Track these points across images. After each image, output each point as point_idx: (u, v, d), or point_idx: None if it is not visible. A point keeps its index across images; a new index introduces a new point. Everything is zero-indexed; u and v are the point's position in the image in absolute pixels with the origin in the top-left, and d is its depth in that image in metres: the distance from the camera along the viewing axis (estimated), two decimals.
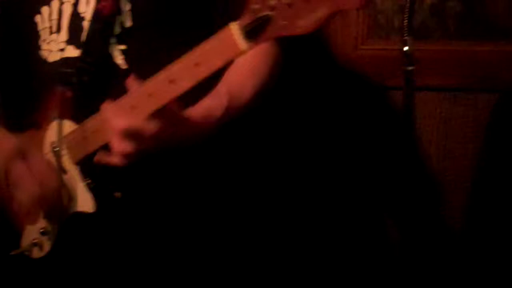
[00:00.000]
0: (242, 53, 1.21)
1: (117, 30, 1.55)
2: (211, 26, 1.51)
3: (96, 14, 1.54)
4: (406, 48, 1.71)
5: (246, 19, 1.17)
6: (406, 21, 1.69)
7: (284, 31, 1.14)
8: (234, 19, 1.32)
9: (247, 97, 1.51)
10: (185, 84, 1.27)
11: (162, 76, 1.31)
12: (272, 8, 1.13)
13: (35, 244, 1.61)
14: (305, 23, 1.11)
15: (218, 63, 1.25)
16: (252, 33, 1.17)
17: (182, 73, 1.28)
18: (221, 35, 1.22)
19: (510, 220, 2.13)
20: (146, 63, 1.50)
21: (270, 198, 2.09)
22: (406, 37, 1.71)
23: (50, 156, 1.55)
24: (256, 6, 1.15)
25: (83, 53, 1.55)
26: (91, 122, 1.46)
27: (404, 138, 1.79)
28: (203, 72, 1.26)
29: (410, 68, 1.73)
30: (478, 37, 2.25)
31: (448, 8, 2.26)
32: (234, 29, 1.19)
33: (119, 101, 1.35)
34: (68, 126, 1.52)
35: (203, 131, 1.42)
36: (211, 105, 1.44)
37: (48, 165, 1.56)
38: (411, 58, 1.74)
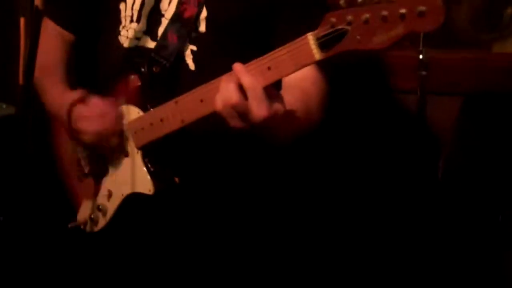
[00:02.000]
0: (315, 62, 1.30)
1: (192, 33, 1.65)
2: (277, 41, 1.66)
3: (176, 15, 1.65)
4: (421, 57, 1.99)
5: (323, 30, 1.25)
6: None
7: (358, 45, 1.19)
8: (297, 32, 1.42)
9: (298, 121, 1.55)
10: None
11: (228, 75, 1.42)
12: (349, 23, 1.19)
13: (91, 219, 1.70)
14: (379, 40, 1.16)
15: (290, 69, 1.35)
16: (327, 44, 1.25)
17: (255, 73, 1.38)
18: (297, 43, 1.31)
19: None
20: (213, 67, 1.57)
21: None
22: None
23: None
24: (333, 19, 1.23)
25: (157, 46, 1.65)
26: (159, 111, 1.56)
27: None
28: (272, 76, 1.36)
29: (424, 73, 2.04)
30: (444, 46, 2.43)
31: None
32: (311, 38, 1.27)
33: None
34: (134, 112, 1.63)
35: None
36: None
37: (109, 104, 1.63)
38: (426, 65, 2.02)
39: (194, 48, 1.66)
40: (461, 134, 2.34)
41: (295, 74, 1.50)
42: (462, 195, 2.24)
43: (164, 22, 1.67)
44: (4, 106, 2.31)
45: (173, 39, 1.65)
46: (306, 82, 1.60)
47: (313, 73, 1.63)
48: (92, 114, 1.63)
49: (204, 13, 1.66)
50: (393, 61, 2.46)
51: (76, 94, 1.68)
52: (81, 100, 1.66)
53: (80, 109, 1.65)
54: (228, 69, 1.47)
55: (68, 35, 1.87)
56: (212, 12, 1.65)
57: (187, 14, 1.65)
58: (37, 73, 1.55)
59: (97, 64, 1.80)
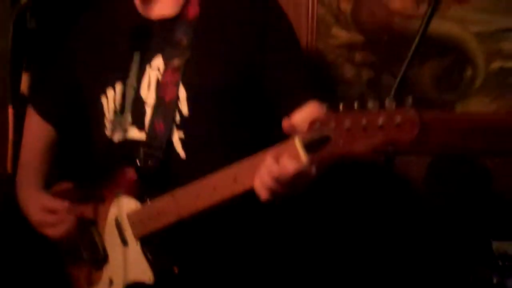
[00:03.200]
0: (302, 163, 1.35)
1: (176, 117, 1.67)
2: (262, 119, 1.72)
3: (158, 100, 1.68)
4: None
5: (308, 135, 1.32)
6: None
7: (341, 150, 1.27)
8: (280, 117, 1.49)
9: None
10: (247, 183, 1.45)
11: (228, 172, 1.48)
12: (332, 130, 1.27)
13: None
14: (361, 147, 1.24)
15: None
16: (312, 148, 1.32)
17: (245, 172, 1.44)
18: (285, 144, 1.38)
19: None
20: (202, 153, 1.66)
21: None
22: None
23: (113, 229, 1.72)
24: (318, 126, 1.30)
25: (147, 138, 1.68)
26: (157, 204, 1.62)
27: None
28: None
29: None
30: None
31: (382, 82, 2.58)
32: (297, 141, 1.35)
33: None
34: (131, 203, 1.67)
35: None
36: None
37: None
38: None
39: (182, 135, 1.67)
40: (429, 194, 2.43)
41: (303, 115, 1.64)
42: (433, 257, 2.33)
43: (148, 110, 1.70)
44: None
45: (160, 127, 1.67)
46: None
47: (320, 111, 1.66)
48: (50, 220, 1.73)
49: (183, 93, 1.67)
50: None
51: (38, 198, 1.77)
52: (41, 206, 1.75)
53: (38, 217, 1.75)
54: (218, 150, 1.58)
55: (51, 128, 1.93)
56: (191, 91, 1.67)
57: (168, 97, 1.67)
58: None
59: (85, 155, 1.84)
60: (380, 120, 1.20)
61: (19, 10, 1.50)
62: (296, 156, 1.35)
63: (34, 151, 1.89)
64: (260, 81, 1.70)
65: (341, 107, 1.26)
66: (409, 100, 1.20)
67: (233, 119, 1.71)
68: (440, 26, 2.58)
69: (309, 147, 1.33)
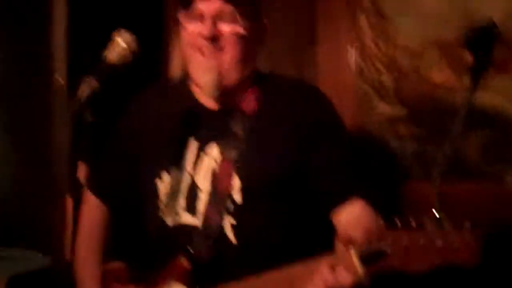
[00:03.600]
0: (358, 275, 1.38)
1: (229, 205, 1.73)
2: (314, 206, 1.75)
3: (213, 188, 1.73)
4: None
5: (365, 248, 1.36)
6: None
7: (397, 266, 1.31)
8: (328, 208, 1.58)
9: None
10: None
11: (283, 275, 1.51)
12: (389, 246, 1.31)
13: None
14: (416, 266, 1.28)
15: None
16: (368, 261, 1.36)
17: (300, 277, 1.47)
18: (342, 254, 1.42)
19: None
20: (254, 239, 1.71)
21: None
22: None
23: None
24: (375, 239, 1.34)
25: (202, 226, 1.72)
26: None
27: None
28: None
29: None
30: (456, 178, 2.49)
31: (428, 153, 2.56)
32: (354, 253, 1.38)
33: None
34: None
35: None
36: None
37: None
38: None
39: (233, 221, 1.72)
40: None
41: (348, 212, 1.71)
42: None
43: (202, 197, 1.75)
44: (39, 255, 2.35)
45: (213, 215, 1.72)
46: (362, 219, 1.70)
47: (366, 210, 1.73)
48: None
49: (237, 184, 1.72)
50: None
51: None
52: None
53: None
54: (269, 237, 1.62)
55: (107, 208, 2.00)
56: (245, 182, 1.72)
57: (222, 187, 1.72)
58: (76, 260, 1.82)
59: (140, 237, 1.89)
60: (439, 243, 1.23)
61: (77, 105, 1.58)
62: (352, 268, 1.38)
63: (94, 243, 1.96)
64: (309, 177, 1.75)
65: (398, 223, 1.29)
66: (467, 225, 1.24)
67: (282, 209, 1.75)
68: (483, 97, 2.60)
69: (365, 259, 1.36)
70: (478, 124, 2.57)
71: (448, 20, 2.32)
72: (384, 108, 2.69)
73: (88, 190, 2.00)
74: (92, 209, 1.99)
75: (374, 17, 2.68)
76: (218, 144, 1.77)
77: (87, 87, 1.58)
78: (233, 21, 1.68)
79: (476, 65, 1.69)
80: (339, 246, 1.47)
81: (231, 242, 1.72)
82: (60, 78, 2.19)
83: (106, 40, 1.67)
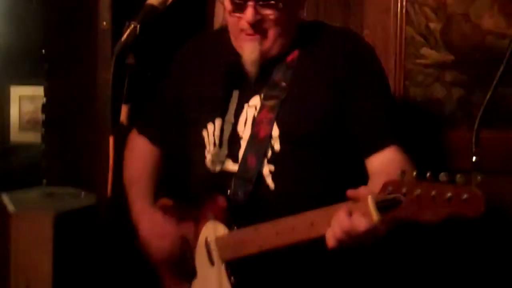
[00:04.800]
0: (372, 222, 1.42)
1: (268, 152, 1.77)
2: (349, 154, 1.78)
3: (252, 136, 1.78)
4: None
5: (381, 196, 1.41)
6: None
7: (410, 215, 1.36)
8: (363, 155, 1.61)
9: None
10: (322, 230, 1.53)
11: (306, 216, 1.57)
12: (404, 194, 1.36)
13: None
14: (428, 215, 1.32)
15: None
16: (384, 209, 1.40)
17: (321, 219, 1.53)
18: (359, 204, 1.46)
19: None
20: (291, 185, 1.75)
21: None
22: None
23: (202, 249, 1.83)
24: (391, 188, 1.39)
25: (239, 170, 1.78)
26: (242, 233, 1.72)
27: None
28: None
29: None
30: (502, 126, 2.53)
31: (475, 101, 2.54)
32: (370, 201, 1.42)
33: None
34: (221, 228, 1.78)
35: None
36: None
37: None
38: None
39: (272, 168, 1.76)
40: None
41: (381, 160, 1.72)
42: None
43: (243, 144, 1.79)
44: (83, 194, 2.43)
45: (252, 161, 1.76)
46: (392, 166, 1.70)
47: (398, 157, 1.75)
48: (153, 235, 1.86)
49: (276, 131, 1.76)
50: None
51: (151, 213, 1.90)
52: (153, 219, 1.88)
53: (145, 231, 1.88)
54: (306, 184, 1.66)
55: (157, 150, 2.05)
56: (284, 130, 1.76)
57: (262, 134, 1.76)
58: (126, 184, 1.92)
59: (187, 180, 1.95)
60: (449, 194, 1.27)
61: (120, 47, 1.60)
62: (368, 214, 1.43)
63: (142, 171, 2.03)
64: (346, 124, 1.77)
65: (414, 174, 1.34)
66: (479, 178, 1.27)
67: (320, 157, 1.78)
68: None
69: (380, 207, 1.41)
70: None
71: None
72: (430, 54, 2.65)
73: (139, 131, 2.07)
74: (143, 149, 2.06)
75: None
76: (260, 94, 1.81)
77: (129, 31, 1.60)
78: (273, 6, 1.70)
79: None
80: (360, 190, 1.51)
81: (269, 187, 1.76)
82: (105, 22, 2.22)
83: None
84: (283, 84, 1.78)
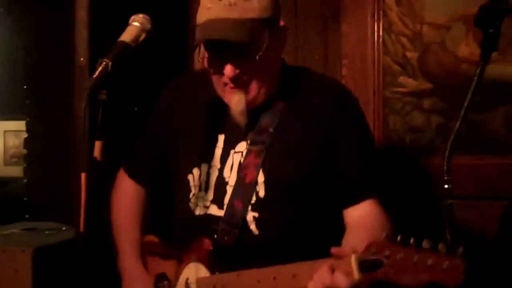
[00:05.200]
0: (353, 280, 1.42)
1: (252, 198, 1.77)
2: (330, 202, 1.79)
3: (239, 181, 1.78)
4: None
5: (363, 256, 1.41)
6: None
7: (390, 277, 1.36)
8: (342, 205, 1.65)
9: None
10: (304, 282, 1.52)
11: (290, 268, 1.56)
12: (386, 257, 1.36)
13: None
14: (408, 279, 1.32)
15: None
16: (365, 269, 1.40)
17: (304, 272, 1.53)
18: (342, 261, 1.46)
19: None
20: (275, 232, 1.75)
21: None
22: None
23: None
24: (375, 249, 1.39)
25: (226, 215, 1.78)
26: (223, 278, 1.71)
27: None
28: None
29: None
30: (480, 152, 2.56)
31: (452, 128, 2.52)
32: (353, 259, 1.43)
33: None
34: (203, 270, 1.77)
35: None
36: None
37: None
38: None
39: (256, 214, 1.76)
40: (503, 239, 2.41)
41: (358, 212, 1.73)
42: None
43: (229, 190, 1.79)
44: (64, 228, 2.43)
45: (238, 206, 1.77)
46: (369, 220, 1.72)
47: (374, 210, 1.76)
48: None
49: (261, 177, 1.77)
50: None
51: (136, 276, 1.93)
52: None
53: None
54: (289, 231, 1.68)
55: (144, 190, 2.07)
56: (269, 177, 1.77)
57: (248, 179, 1.77)
58: (114, 228, 1.97)
59: (172, 219, 1.95)
60: (430, 261, 1.29)
61: (91, 84, 1.62)
62: (350, 273, 1.43)
63: (131, 217, 2.04)
64: (329, 173, 1.78)
65: (398, 238, 1.35)
66: (460, 250, 1.29)
67: (303, 205, 1.79)
68: (509, 71, 2.58)
69: (362, 267, 1.42)
70: (504, 97, 2.58)
71: None
72: (408, 82, 2.69)
73: (126, 171, 2.09)
74: (130, 186, 2.07)
75: None
76: (246, 139, 1.82)
77: (101, 68, 1.62)
78: (251, 57, 1.71)
79: (486, 42, 1.67)
80: (344, 248, 1.52)
81: (253, 233, 1.76)
82: (82, 58, 2.26)
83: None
84: (270, 129, 1.80)
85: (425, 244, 1.31)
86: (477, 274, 2.30)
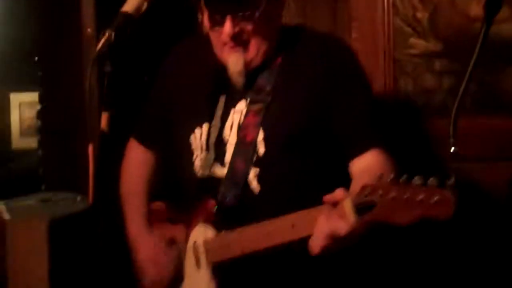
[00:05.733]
0: (350, 223, 1.45)
1: (254, 156, 1.79)
2: (332, 157, 1.80)
3: (239, 140, 1.80)
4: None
5: (357, 198, 1.43)
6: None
7: (385, 217, 1.38)
8: (347, 158, 1.66)
9: None
10: (303, 231, 1.56)
11: (288, 218, 1.60)
12: (379, 196, 1.38)
13: None
14: (401, 217, 1.35)
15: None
16: (361, 211, 1.42)
17: (301, 222, 1.57)
18: (337, 207, 1.48)
19: None
20: (276, 188, 1.77)
21: None
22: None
23: (190, 252, 1.85)
24: (367, 191, 1.41)
25: (228, 174, 1.80)
26: (228, 236, 1.74)
27: None
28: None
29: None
30: (491, 111, 2.54)
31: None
32: (348, 203, 1.45)
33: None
34: (210, 232, 1.81)
35: None
36: None
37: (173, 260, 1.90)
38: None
39: (257, 170, 1.78)
40: None
41: (363, 163, 1.74)
42: None
43: (230, 149, 1.81)
44: (78, 198, 2.47)
45: (240, 165, 1.79)
46: (373, 168, 1.71)
47: (379, 159, 1.76)
48: (150, 262, 1.94)
49: (261, 135, 1.78)
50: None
51: (146, 239, 1.98)
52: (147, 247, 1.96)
53: (141, 257, 1.97)
54: (290, 187, 1.70)
55: (154, 156, 2.10)
56: (268, 134, 1.78)
57: (248, 138, 1.79)
58: (122, 196, 2.01)
59: (179, 183, 1.97)
60: (421, 196, 1.30)
61: (95, 55, 1.63)
62: (345, 216, 1.45)
63: (138, 185, 2.08)
64: (329, 127, 1.79)
65: (391, 177, 1.36)
66: (452, 180, 1.30)
67: (304, 160, 1.80)
68: None
69: (357, 209, 1.43)
70: None
71: None
72: (419, 44, 2.66)
73: (135, 139, 2.12)
74: (139, 156, 2.11)
75: None
76: (245, 99, 1.83)
77: (104, 39, 1.63)
78: (250, 18, 1.73)
79: (490, 3, 1.65)
80: (337, 193, 1.52)
81: (255, 190, 1.78)
82: (89, 29, 2.26)
83: None
84: (268, 88, 1.81)
85: (417, 180, 1.32)
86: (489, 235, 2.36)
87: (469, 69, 1.74)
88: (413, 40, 2.67)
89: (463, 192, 2.33)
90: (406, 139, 2.62)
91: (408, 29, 2.66)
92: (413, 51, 2.67)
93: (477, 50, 1.70)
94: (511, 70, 2.58)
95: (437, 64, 2.65)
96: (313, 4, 2.78)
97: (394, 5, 2.66)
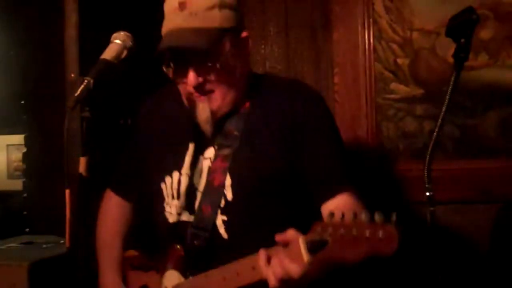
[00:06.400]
0: (304, 263, 1.44)
1: (221, 202, 1.79)
2: (301, 203, 1.80)
3: (207, 185, 1.81)
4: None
5: (309, 237, 1.43)
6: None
7: (336, 254, 1.38)
8: (317, 202, 1.67)
9: None
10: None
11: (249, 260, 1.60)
12: (329, 235, 1.38)
13: None
14: (351, 253, 1.35)
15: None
16: (313, 249, 1.42)
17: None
18: (290, 246, 1.48)
19: None
20: (244, 235, 1.77)
21: None
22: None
23: None
24: (319, 229, 1.41)
25: (195, 220, 1.81)
26: (194, 281, 1.74)
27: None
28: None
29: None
30: (473, 156, 2.58)
31: (445, 133, 2.58)
32: (301, 242, 1.45)
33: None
34: (176, 277, 1.81)
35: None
36: None
37: None
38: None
39: (225, 218, 1.78)
40: (498, 241, 2.39)
41: (332, 206, 1.72)
42: None
43: (199, 195, 1.82)
44: (61, 241, 2.47)
45: (207, 210, 1.79)
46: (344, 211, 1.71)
47: (349, 202, 1.76)
48: None
49: (228, 181, 1.79)
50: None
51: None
52: None
53: None
54: (258, 233, 1.67)
55: (127, 203, 2.12)
56: (235, 180, 1.78)
57: (216, 183, 1.79)
58: (98, 244, 2.02)
59: (152, 229, 1.98)
60: (367, 233, 1.31)
61: (73, 101, 1.66)
62: (299, 256, 1.45)
63: (114, 235, 2.10)
64: (298, 172, 1.80)
65: (340, 215, 1.37)
66: (393, 216, 1.30)
67: (273, 205, 1.80)
68: (501, 74, 2.60)
69: (310, 248, 1.43)
70: (496, 101, 2.59)
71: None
72: (400, 89, 2.71)
73: (110, 190, 2.14)
74: (114, 207, 2.13)
75: (389, 1, 2.69)
76: (213, 145, 1.85)
77: (83, 86, 1.65)
78: (213, 69, 1.75)
79: (458, 52, 1.70)
80: (288, 233, 1.52)
81: (222, 236, 1.78)
82: (73, 74, 2.30)
83: None
84: (236, 133, 1.82)
85: (363, 216, 1.32)
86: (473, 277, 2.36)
87: (441, 115, 1.78)
88: (394, 85, 2.71)
89: (446, 234, 2.40)
90: (387, 182, 2.66)
91: (389, 75, 2.71)
92: (394, 96, 2.72)
93: (448, 95, 1.75)
94: (491, 114, 2.62)
95: (418, 109, 2.69)
96: (296, 50, 2.83)
97: (375, 51, 2.71)
